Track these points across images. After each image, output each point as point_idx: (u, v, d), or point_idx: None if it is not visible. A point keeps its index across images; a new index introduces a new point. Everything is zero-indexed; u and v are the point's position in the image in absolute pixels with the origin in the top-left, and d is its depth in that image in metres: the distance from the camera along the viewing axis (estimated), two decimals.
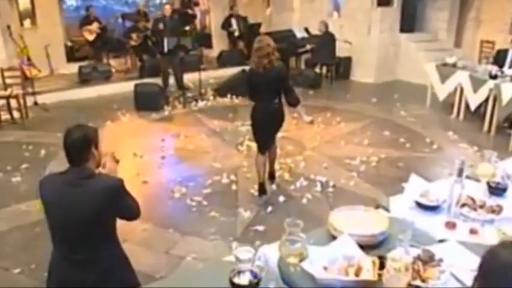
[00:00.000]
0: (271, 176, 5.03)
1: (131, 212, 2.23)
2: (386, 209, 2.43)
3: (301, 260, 1.83)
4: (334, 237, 2.08)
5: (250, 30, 11.34)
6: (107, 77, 9.76)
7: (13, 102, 7.31)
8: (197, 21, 12.32)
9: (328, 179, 5.18)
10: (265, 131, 4.67)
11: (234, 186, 5.08)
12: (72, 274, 2.14)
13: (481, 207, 2.35)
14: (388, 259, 1.87)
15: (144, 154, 6.02)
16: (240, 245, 3.65)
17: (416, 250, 1.91)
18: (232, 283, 1.70)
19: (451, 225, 2.23)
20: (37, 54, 9.30)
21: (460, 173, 2.31)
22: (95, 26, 10.14)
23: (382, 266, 1.81)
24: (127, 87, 8.68)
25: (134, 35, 10.25)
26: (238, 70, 9.11)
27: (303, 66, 10.78)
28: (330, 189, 4.98)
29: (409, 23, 10.41)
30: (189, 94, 8.83)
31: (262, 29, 11.36)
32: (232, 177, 5.28)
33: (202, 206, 4.63)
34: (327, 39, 9.73)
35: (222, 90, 8.94)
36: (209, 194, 4.89)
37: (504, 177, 2.58)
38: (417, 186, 2.58)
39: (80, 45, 10.96)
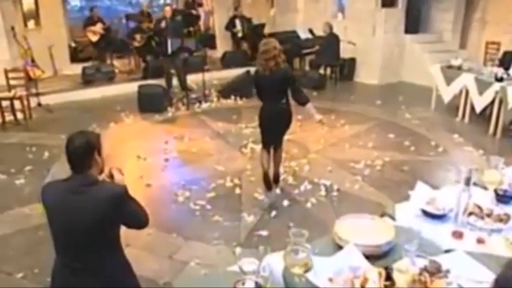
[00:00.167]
0: (276, 180, 5.00)
1: (138, 220, 2.20)
2: (392, 217, 2.40)
3: (306, 271, 1.81)
4: (339, 247, 2.06)
5: (254, 31, 11.32)
6: (110, 78, 9.76)
7: (17, 104, 7.29)
8: (201, 22, 12.33)
9: (332, 183, 5.14)
10: (272, 131, 4.68)
11: (237, 190, 5.05)
12: (75, 282, 2.11)
13: (489, 215, 2.33)
14: (394, 270, 1.85)
15: (147, 156, 6.01)
16: (244, 251, 3.65)
17: (423, 261, 1.88)
18: None
19: (458, 235, 2.20)
20: (41, 55, 9.34)
21: (468, 181, 2.28)
22: (98, 27, 10.16)
23: (388, 278, 1.79)
24: (130, 88, 8.68)
25: (138, 36, 10.27)
26: (242, 71, 9.11)
27: (307, 67, 10.76)
28: (335, 193, 4.94)
29: (414, 24, 10.36)
30: (193, 95, 8.80)
31: (266, 30, 11.36)
32: (236, 180, 5.26)
33: (205, 210, 4.61)
34: (331, 40, 9.70)
35: (225, 91, 8.92)
36: (213, 197, 4.86)
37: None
38: (423, 194, 2.55)
39: (83, 46, 10.99)
